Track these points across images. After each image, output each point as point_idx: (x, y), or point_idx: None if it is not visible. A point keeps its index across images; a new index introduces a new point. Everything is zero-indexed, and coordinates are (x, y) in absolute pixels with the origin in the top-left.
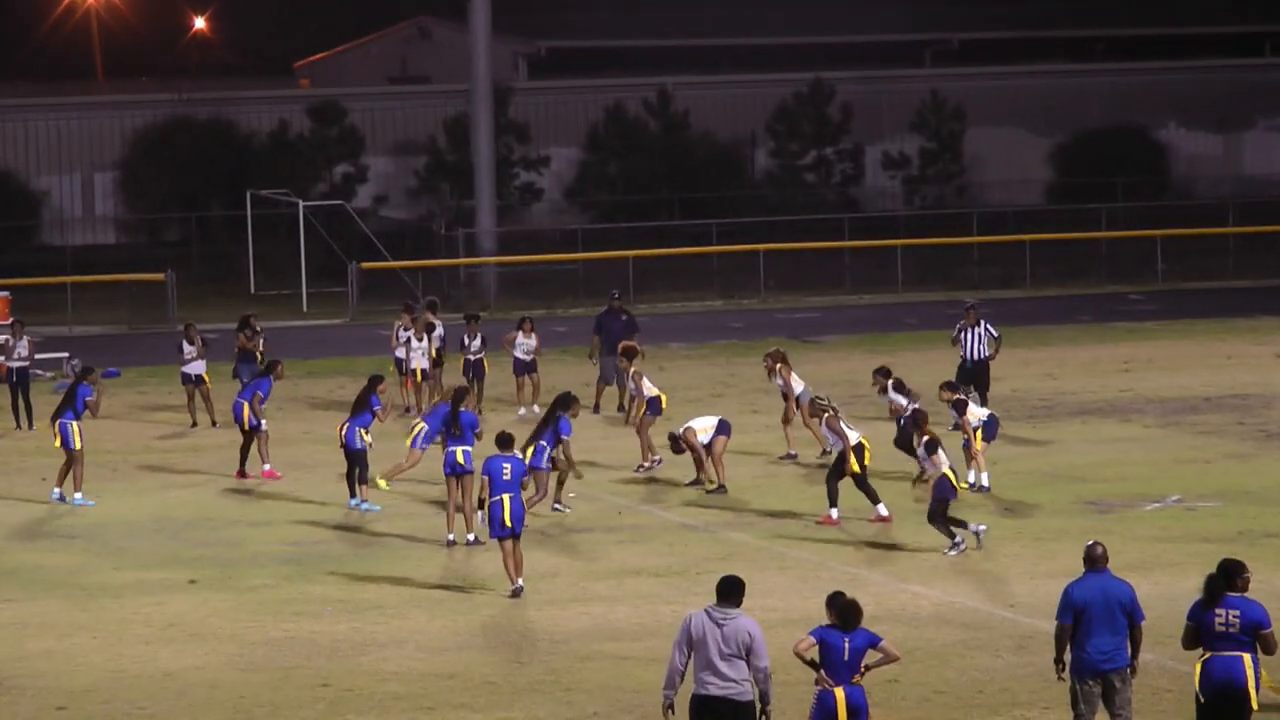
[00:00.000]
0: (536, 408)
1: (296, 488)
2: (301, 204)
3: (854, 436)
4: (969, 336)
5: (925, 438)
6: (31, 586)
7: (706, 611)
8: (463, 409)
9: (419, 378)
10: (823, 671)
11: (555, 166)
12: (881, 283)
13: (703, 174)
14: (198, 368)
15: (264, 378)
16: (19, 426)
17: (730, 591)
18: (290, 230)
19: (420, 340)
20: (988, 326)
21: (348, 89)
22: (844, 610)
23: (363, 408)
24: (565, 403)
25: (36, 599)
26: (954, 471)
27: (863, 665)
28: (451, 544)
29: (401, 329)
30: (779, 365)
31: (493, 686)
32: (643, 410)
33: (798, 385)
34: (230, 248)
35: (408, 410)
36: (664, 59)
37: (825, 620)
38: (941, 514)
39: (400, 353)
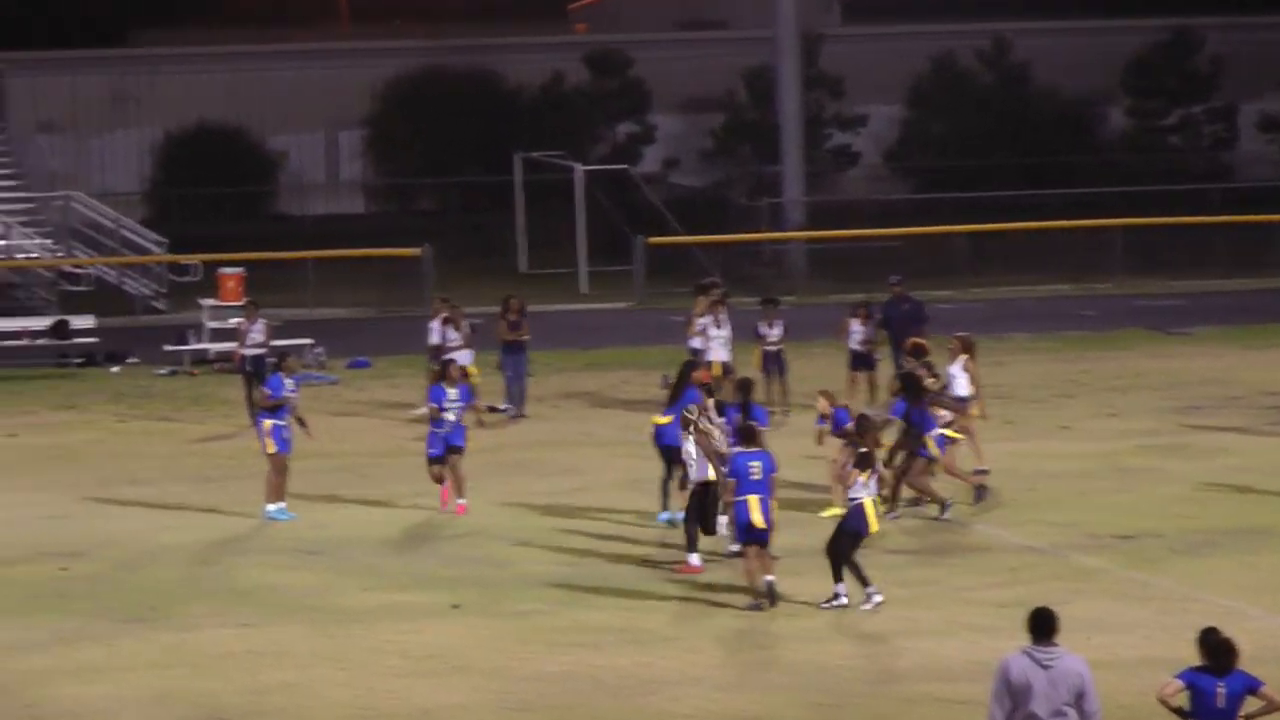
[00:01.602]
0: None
1: (573, 498)
2: (578, 168)
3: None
4: None
5: (863, 450)
6: (268, 609)
7: (1027, 653)
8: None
9: (718, 371)
10: None
11: (873, 126)
12: (1260, 265)
13: (1046, 136)
14: (462, 357)
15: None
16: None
17: (1047, 626)
18: (565, 199)
19: (720, 328)
20: None
21: (631, 35)
22: (1217, 649)
23: (678, 400)
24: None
25: (274, 623)
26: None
27: (1240, 714)
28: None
29: (697, 315)
30: (964, 356)
31: None
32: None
33: (964, 386)
34: (495, 219)
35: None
36: (1001, 1)
37: (1195, 661)
38: (847, 552)
39: (697, 342)
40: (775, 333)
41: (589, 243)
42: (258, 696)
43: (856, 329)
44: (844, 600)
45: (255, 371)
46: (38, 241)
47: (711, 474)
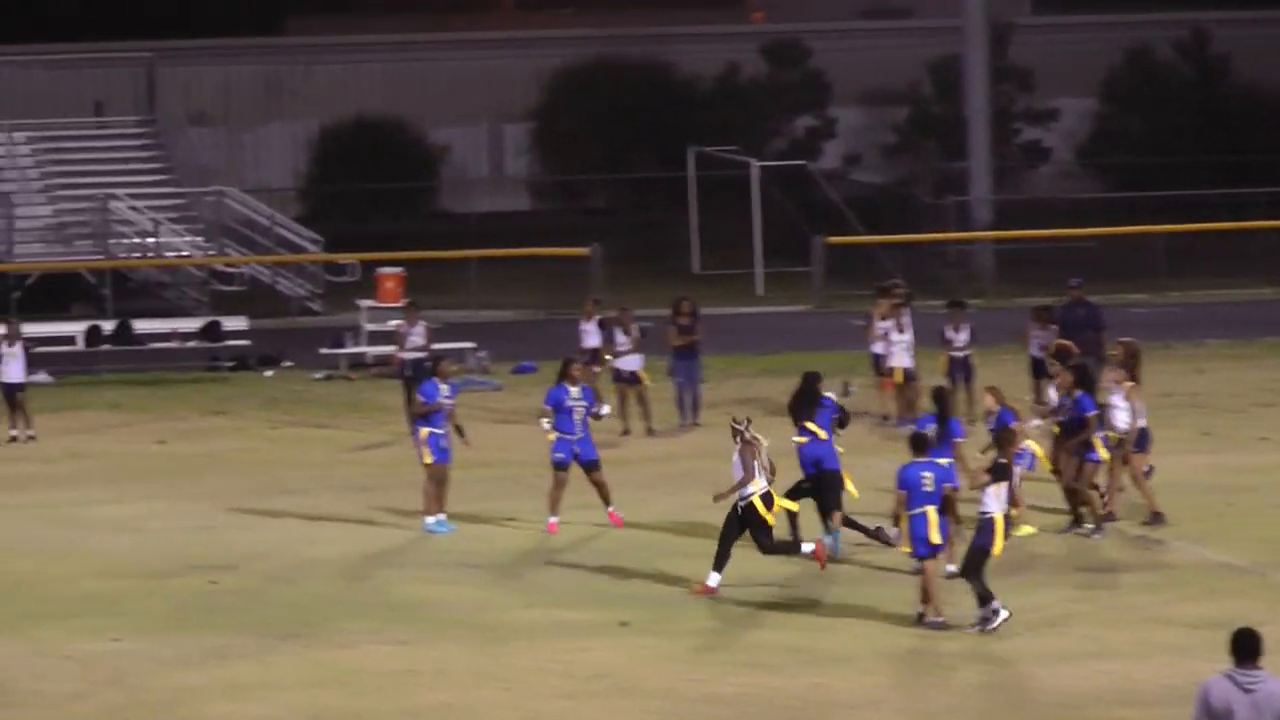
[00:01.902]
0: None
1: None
2: (755, 164)
3: (761, 483)
4: None
5: (1000, 460)
6: (427, 626)
7: (1228, 676)
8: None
9: (900, 379)
10: None
11: (1065, 121)
12: None
13: (1247, 132)
14: (632, 363)
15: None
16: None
17: (1250, 648)
18: (741, 196)
19: (903, 333)
20: None
21: (811, 24)
22: None
23: (815, 414)
24: None
25: (433, 641)
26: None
27: None
28: (950, 575)
29: (879, 318)
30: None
31: None
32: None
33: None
34: (667, 217)
35: (885, 419)
36: None
37: None
38: (974, 569)
39: (878, 347)
40: (962, 338)
41: (765, 242)
42: (414, 718)
43: (1037, 334)
44: (1003, 615)
45: (414, 376)
46: (188, 239)
47: (752, 488)
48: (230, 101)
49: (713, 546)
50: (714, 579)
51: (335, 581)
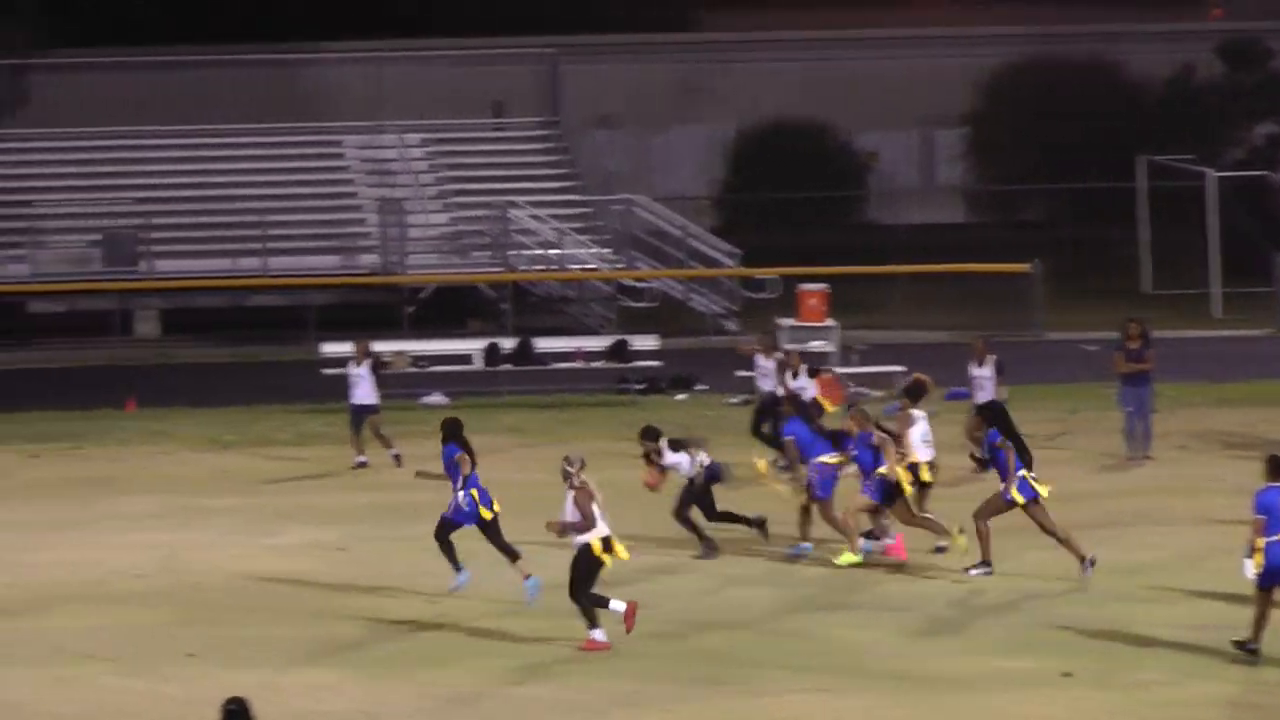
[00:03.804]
0: None
1: (1207, 552)
2: (1211, 174)
3: (603, 528)
4: None
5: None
6: (849, 673)
7: None
8: None
9: None
10: None
11: None
12: None
13: None
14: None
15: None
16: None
17: None
18: (1196, 209)
19: None
20: None
21: (1273, 22)
22: None
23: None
24: None
25: (856, 690)
26: None
27: None
28: None
29: None
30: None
31: None
32: None
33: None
34: (1115, 232)
35: None
36: None
37: None
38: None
39: None
40: None
41: (1223, 260)
42: None
43: None
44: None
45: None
46: (594, 251)
47: (589, 535)
48: (639, 102)
49: (1165, 590)
50: (598, 634)
51: (753, 624)
